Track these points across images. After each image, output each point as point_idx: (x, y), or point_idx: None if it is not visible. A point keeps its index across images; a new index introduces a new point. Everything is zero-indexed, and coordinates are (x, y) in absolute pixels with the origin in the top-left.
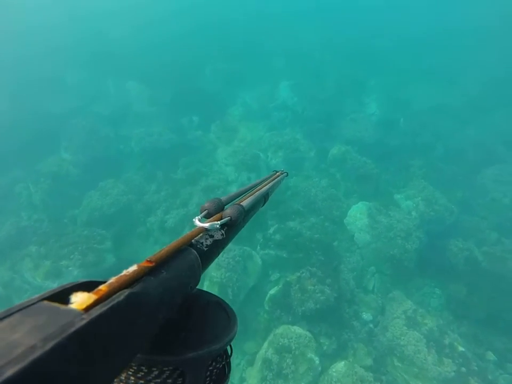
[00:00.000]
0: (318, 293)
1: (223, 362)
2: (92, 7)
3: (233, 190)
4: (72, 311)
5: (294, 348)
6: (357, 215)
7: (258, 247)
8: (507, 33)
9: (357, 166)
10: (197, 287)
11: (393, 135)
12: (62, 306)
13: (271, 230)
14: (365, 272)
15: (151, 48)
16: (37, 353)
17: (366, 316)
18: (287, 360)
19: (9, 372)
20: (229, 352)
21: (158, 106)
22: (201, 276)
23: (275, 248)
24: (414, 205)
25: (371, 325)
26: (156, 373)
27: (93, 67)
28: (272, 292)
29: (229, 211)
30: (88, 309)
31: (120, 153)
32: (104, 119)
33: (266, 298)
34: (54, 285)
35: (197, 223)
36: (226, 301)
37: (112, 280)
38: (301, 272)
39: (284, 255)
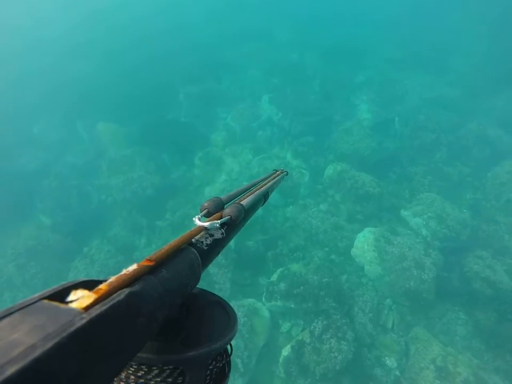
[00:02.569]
0: (335, 352)
1: (223, 362)
2: (46, 49)
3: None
4: (72, 310)
5: None
6: (364, 246)
7: (264, 299)
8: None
9: (357, 185)
10: (197, 286)
11: (390, 139)
12: (62, 306)
13: (274, 278)
14: (381, 307)
15: (116, 81)
16: (37, 353)
17: (390, 361)
18: None
19: (10, 371)
20: (229, 351)
21: (135, 146)
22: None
23: (281, 299)
24: (424, 222)
25: (397, 372)
26: (156, 372)
27: (58, 112)
28: (285, 353)
29: (229, 210)
30: (88, 308)
31: (102, 204)
32: (79, 170)
33: (280, 361)
34: None
35: (197, 222)
36: (235, 371)
37: (112, 279)
38: (312, 327)
39: (292, 305)
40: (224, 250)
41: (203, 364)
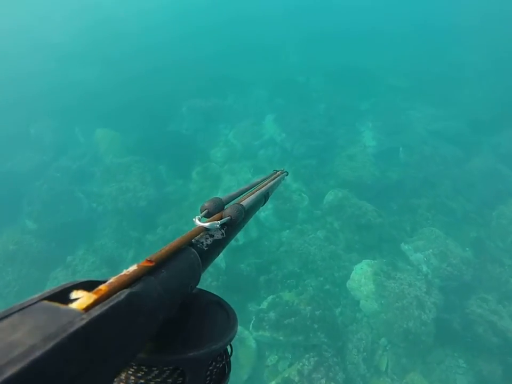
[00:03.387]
0: None
1: (223, 362)
2: (49, 51)
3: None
4: (72, 311)
5: None
6: (361, 279)
7: (251, 327)
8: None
9: (357, 214)
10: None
11: (394, 168)
12: (62, 306)
13: (264, 305)
14: (375, 347)
15: (120, 88)
16: (37, 353)
17: None
18: None
19: (10, 371)
20: (229, 352)
21: (132, 155)
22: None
23: (270, 329)
24: (425, 258)
25: None
26: (156, 372)
27: (58, 114)
28: None
29: (229, 210)
30: (88, 308)
31: (92, 213)
32: (72, 175)
33: None
34: None
35: (197, 222)
36: None
37: (112, 279)
38: (301, 364)
39: (281, 337)
40: (214, 271)
41: (203, 364)
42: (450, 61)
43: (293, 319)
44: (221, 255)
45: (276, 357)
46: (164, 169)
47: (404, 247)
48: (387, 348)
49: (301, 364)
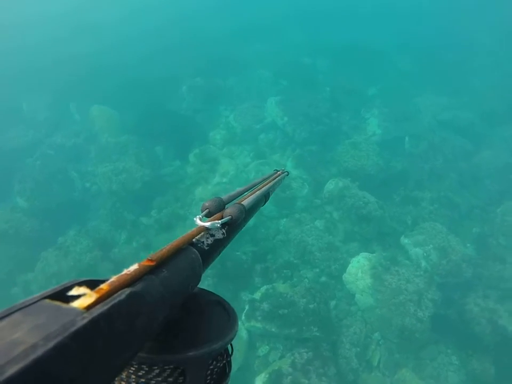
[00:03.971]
0: None
1: (224, 361)
2: (53, 23)
3: None
4: (73, 310)
5: None
6: (358, 273)
7: (244, 317)
8: None
9: (358, 205)
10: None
11: (398, 158)
12: (63, 305)
13: (258, 295)
14: (368, 341)
15: (120, 64)
16: (38, 352)
17: None
18: None
19: (11, 370)
20: (230, 351)
21: (128, 134)
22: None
23: (262, 321)
24: (425, 254)
25: None
26: (157, 371)
27: (53, 90)
28: (259, 382)
29: (229, 210)
30: (89, 307)
31: (86, 193)
32: (67, 153)
33: None
34: None
35: (198, 222)
36: None
37: (113, 279)
38: (293, 357)
39: (273, 329)
40: None
41: (204, 363)
42: (465, 45)
43: (286, 310)
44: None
45: (267, 347)
46: (161, 150)
47: (404, 240)
48: (380, 343)
49: (292, 356)
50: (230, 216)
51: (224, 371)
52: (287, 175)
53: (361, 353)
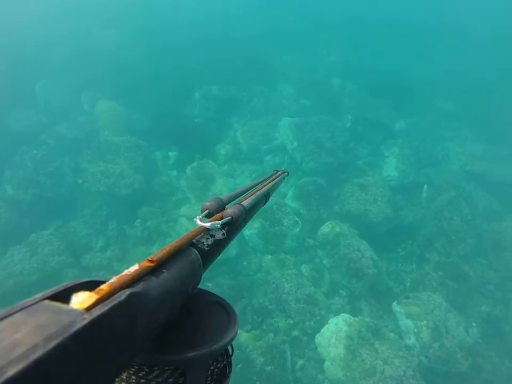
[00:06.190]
0: None
1: (224, 362)
2: (78, 16)
3: None
4: (74, 310)
5: None
6: (332, 339)
7: None
8: None
9: (351, 257)
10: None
11: (412, 208)
12: (64, 306)
13: None
14: None
15: (136, 59)
16: (39, 353)
17: None
18: None
19: (11, 371)
20: (230, 352)
21: (131, 135)
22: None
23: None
24: (416, 329)
25: None
26: (157, 372)
27: (69, 76)
28: None
29: (230, 210)
30: (89, 308)
31: (76, 189)
32: (66, 146)
33: None
34: None
35: (198, 222)
36: None
37: (113, 279)
38: None
39: None
40: None
41: (204, 364)
42: None
43: (239, 366)
44: None
45: None
46: (160, 156)
47: (396, 307)
48: None
49: None
50: (230, 217)
51: (225, 372)
52: (287, 175)
53: None
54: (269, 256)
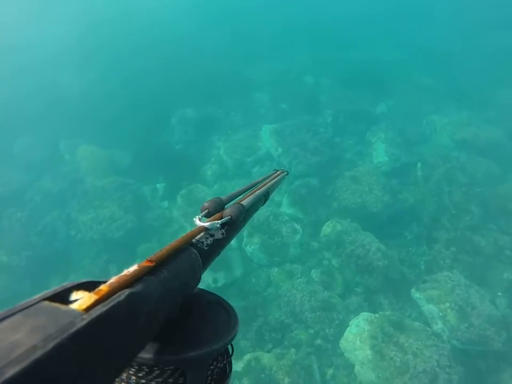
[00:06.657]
0: None
1: (224, 362)
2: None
3: None
4: (73, 311)
5: None
6: (356, 342)
7: None
8: None
9: (358, 253)
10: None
11: (410, 188)
12: (63, 307)
13: (240, 366)
14: None
15: (108, 96)
16: (38, 354)
17: None
18: None
19: (10, 372)
20: (230, 352)
21: (116, 175)
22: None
23: None
24: (441, 313)
25: None
26: (157, 372)
27: (45, 129)
28: None
29: (229, 210)
30: (88, 309)
31: (70, 241)
32: (52, 200)
33: None
34: None
35: (198, 222)
36: None
37: (113, 280)
38: None
39: None
40: None
41: (204, 364)
42: (490, 51)
43: None
44: None
45: None
46: (149, 190)
47: (415, 294)
48: None
49: None
50: (229, 216)
51: (225, 371)
52: (287, 175)
53: None
54: (276, 269)
